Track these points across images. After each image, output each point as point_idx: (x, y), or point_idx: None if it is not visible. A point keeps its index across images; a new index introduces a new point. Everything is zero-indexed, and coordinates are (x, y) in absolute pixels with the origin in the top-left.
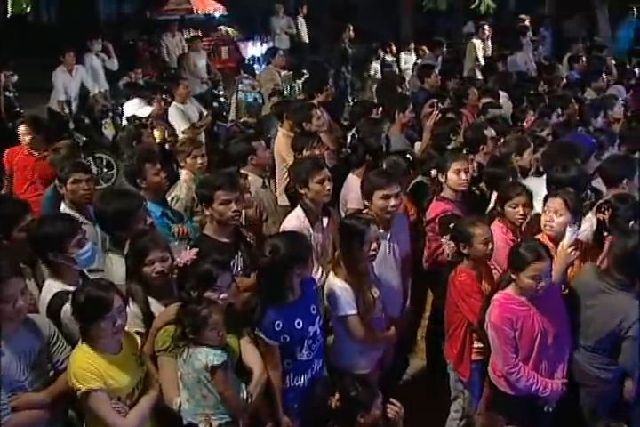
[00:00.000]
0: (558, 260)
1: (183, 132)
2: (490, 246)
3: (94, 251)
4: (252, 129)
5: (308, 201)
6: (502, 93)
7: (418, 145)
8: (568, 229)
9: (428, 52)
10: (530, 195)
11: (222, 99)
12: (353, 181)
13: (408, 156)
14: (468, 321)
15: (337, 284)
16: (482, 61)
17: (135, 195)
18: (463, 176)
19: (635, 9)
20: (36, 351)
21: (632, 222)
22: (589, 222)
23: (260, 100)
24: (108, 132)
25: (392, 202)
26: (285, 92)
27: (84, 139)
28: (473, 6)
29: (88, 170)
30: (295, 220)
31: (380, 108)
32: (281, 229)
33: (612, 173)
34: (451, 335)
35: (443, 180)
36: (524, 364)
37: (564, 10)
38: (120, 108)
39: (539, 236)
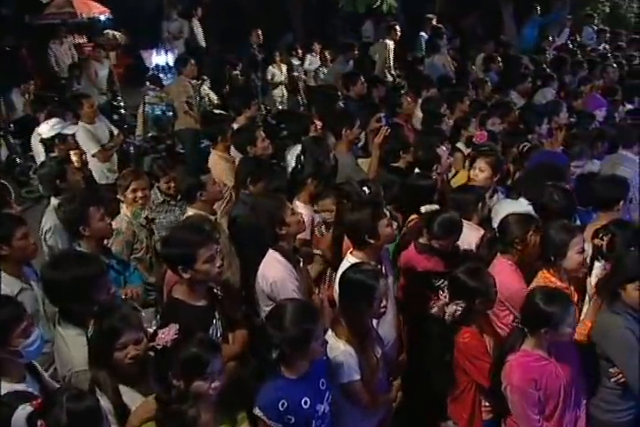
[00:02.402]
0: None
1: (93, 156)
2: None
3: (42, 339)
4: (163, 145)
5: (284, 242)
6: None
7: (361, 162)
8: (597, 263)
9: (327, 55)
10: None
11: (122, 110)
12: (302, 210)
13: (365, 188)
14: (477, 383)
15: (340, 347)
16: (392, 63)
17: (95, 259)
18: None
19: (539, 7)
20: None
21: (632, 249)
22: None
23: (170, 113)
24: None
25: (394, 226)
26: (194, 103)
27: None
28: (375, 6)
29: (25, 221)
30: (279, 264)
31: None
32: (266, 279)
33: (607, 196)
34: (457, 398)
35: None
36: (549, 421)
37: (455, 8)
38: (12, 124)
39: (548, 275)
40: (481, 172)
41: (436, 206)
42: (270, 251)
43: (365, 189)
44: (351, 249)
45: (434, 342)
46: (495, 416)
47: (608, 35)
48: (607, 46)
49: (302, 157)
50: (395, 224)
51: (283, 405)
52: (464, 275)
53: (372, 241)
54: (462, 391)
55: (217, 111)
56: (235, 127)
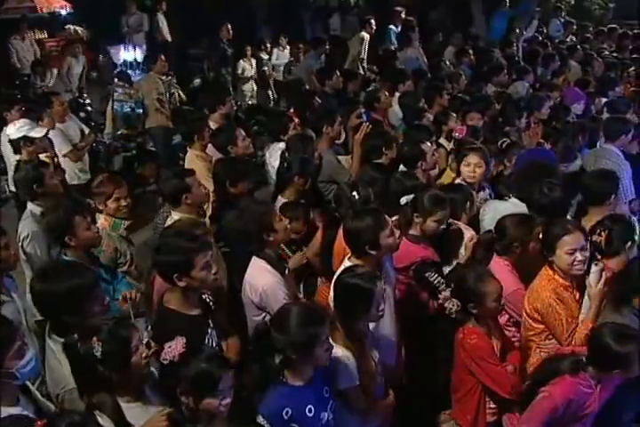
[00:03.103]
0: (595, 300)
1: (65, 156)
2: (502, 302)
3: (37, 359)
4: (134, 143)
5: (269, 250)
6: None
7: (342, 159)
8: (594, 267)
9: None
10: None
11: (89, 108)
12: None
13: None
14: (483, 385)
15: (338, 352)
16: (365, 56)
17: (88, 268)
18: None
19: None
20: None
21: (629, 244)
22: None
23: (140, 110)
24: None
25: (396, 235)
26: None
27: None
28: None
29: (4, 231)
30: (267, 272)
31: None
32: (255, 288)
33: (599, 191)
34: (461, 399)
35: (419, 221)
36: None
37: (421, 0)
38: None
39: (551, 272)
40: (479, 168)
41: (413, 195)
42: (256, 259)
43: (355, 193)
44: (349, 255)
45: (433, 340)
46: (499, 419)
47: (574, 27)
48: (574, 38)
49: (287, 156)
50: (397, 232)
51: (287, 413)
52: (469, 276)
53: (372, 252)
54: (467, 393)
55: (187, 108)
56: (210, 125)
